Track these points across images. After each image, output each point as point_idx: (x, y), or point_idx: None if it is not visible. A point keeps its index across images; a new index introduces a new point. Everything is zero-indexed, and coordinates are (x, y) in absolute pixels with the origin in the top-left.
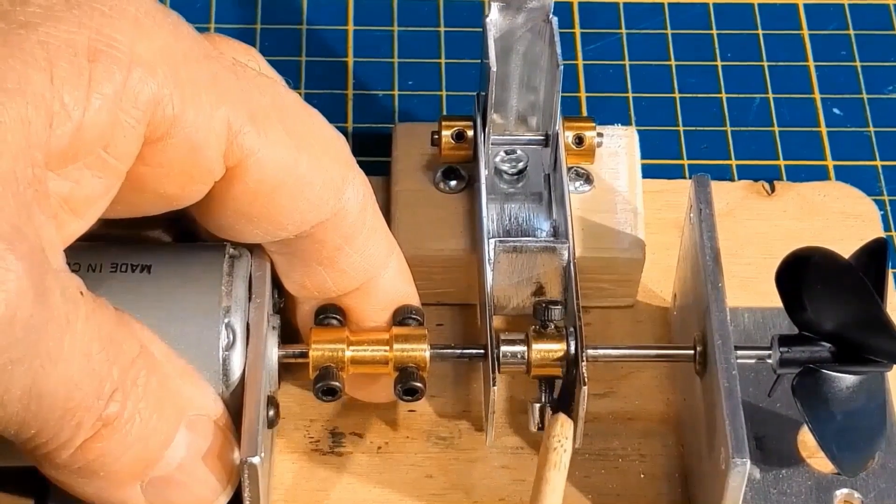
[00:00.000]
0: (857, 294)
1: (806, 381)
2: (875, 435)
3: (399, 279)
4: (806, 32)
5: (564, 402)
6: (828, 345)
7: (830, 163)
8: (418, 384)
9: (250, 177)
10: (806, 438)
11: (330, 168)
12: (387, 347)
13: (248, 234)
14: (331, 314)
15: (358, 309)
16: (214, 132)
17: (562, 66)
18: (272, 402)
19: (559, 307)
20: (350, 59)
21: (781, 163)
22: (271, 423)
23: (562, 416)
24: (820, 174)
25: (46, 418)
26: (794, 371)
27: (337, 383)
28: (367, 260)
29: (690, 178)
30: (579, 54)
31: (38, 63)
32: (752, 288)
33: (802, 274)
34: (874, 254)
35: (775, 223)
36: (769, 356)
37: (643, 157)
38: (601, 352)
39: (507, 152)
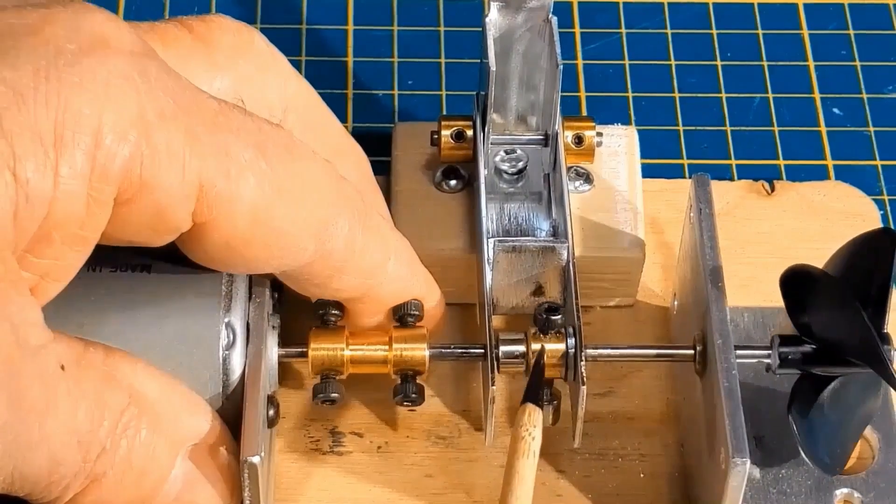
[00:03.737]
0: (859, 327)
1: (805, 383)
2: (855, 436)
3: (398, 278)
4: (806, 32)
5: (532, 393)
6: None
7: (830, 162)
8: (415, 395)
9: (219, 232)
10: None
11: (310, 214)
12: (386, 347)
13: (229, 270)
14: (330, 310)
15: (357, 310)
16: (184, 194)
17: (561, 66)
18: (272, 401)
19: (559, 316)
20: (350, 59)
21: (781, 162)
22: (271, 423)
23: (529, 406)
24: (820, 174)
25: (32, 490)
26: (793, 371)
27: (336, 394)
28: (361, 276)
29: (690, 177)
30: (579, 54)
31: (2, 158)
32: (752, 288)
33: (807, 293)
34: (880, 253)
35: (775, 223)
36: (769, 356)
37: (643, 156)
38: (601, 351)
39: (506, 152)
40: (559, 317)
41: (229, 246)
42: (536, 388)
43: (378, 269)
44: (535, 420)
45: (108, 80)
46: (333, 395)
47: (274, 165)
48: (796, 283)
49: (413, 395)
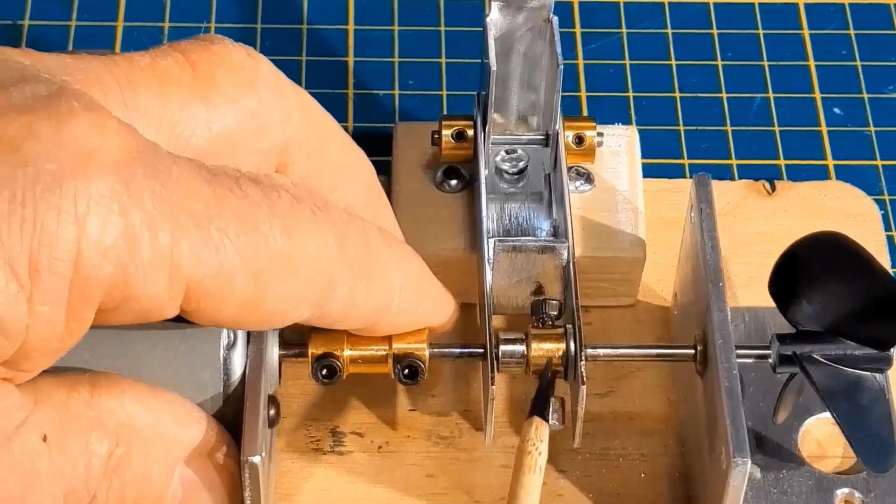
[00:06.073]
0: (855, 277)
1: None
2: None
3: (404, 311)
4: (806, 32)
5: (539, 406)
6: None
7: (831, 162)
8: (419, 363)
9: (207, 317)
10: (806, 437)
11: (305, 288)
12: (386, 346)
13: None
14: None
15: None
16: (170, 296)
17: (562, 66)
18: (273, 401)
19: (556, 300)
20: (350, 59)
21: (782, 162)
22: (272, 423)
23: (536, 420)
24: (820, 174)
25: None
26: (793, 370)
27: (337, 366)
28: (364, 322)
29: (691, 177)
30: (580, 54)
31: None
32: (752, 287)
33: (795, 271)
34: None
35: (776, 223)
36: (769, 356)
37: (644, 156)
38: (601, 351)
39: (507, 152)
40: (556, 301)
41: (220, 323)
42: (544, 402)
43: (382, 310)
44: (541, 434)
45: (88, 203)
46: (329, 380)
47: (268, 247)
48: (787, 274)
49: (408, 378)
